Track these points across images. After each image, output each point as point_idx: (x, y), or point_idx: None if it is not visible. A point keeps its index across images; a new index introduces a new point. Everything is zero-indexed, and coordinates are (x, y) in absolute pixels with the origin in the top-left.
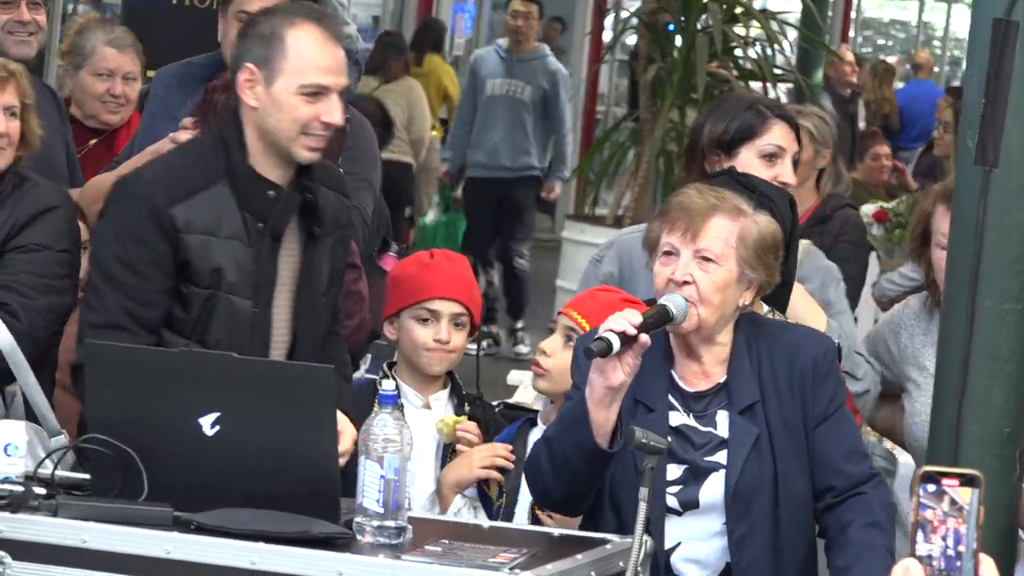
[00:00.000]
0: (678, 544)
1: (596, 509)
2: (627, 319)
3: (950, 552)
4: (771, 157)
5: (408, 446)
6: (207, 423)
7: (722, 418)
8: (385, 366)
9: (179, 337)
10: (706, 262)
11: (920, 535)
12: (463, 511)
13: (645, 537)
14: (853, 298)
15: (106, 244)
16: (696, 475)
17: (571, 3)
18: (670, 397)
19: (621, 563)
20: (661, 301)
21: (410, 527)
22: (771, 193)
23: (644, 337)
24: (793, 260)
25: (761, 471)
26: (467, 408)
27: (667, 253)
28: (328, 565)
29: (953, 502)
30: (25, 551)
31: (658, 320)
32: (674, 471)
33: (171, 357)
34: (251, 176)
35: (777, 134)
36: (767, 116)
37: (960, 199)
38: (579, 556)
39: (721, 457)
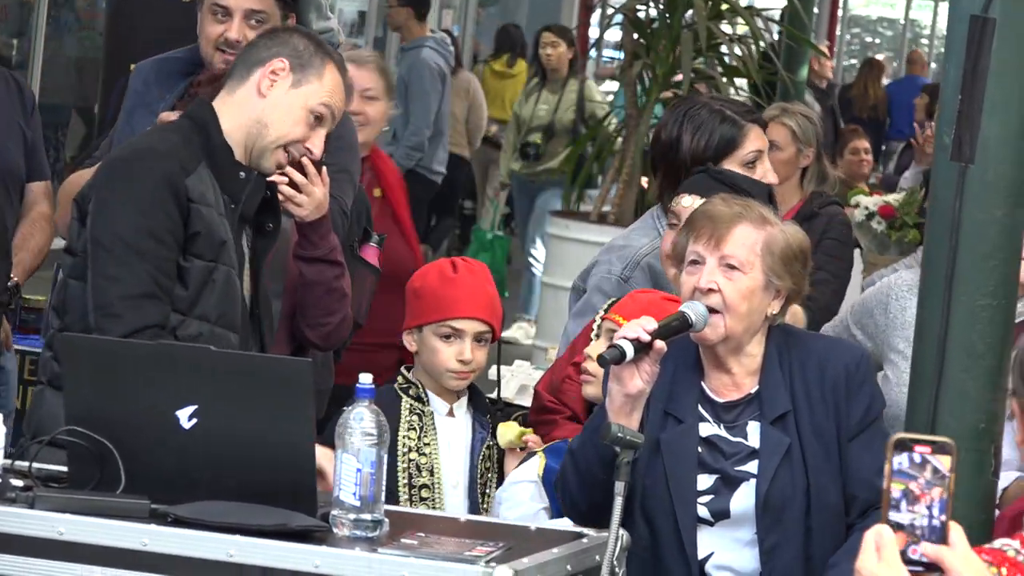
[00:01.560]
0: (711, 554)
1: (627, 521)
2: (642, 326)
3: (935, 522)
4: (751, 164)
5: (385, 439)
6: (184, 416)
7: (753, 428)
8: (404, 370)
9: (177, 314)
10: (731, 270)
11: (903, 503)
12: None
13: (621, 531)
14: (839, 295)
15: (127, 217)
16: (727, 485)
17: None
18: (700, 408)
19: (597, 557)
20: (681, 308)
21: (387, 520)
22: (748, 187)
23: (660, 344)
24: None
25: (793, 481)
26: (488, 417)
27: (693, 262)
28: (305, 558)
29: (936, 470)
30: (2, 543)
31: (677, 327)
32: (705, 481)
33: (149, 350)
34: (229, 157)
35: (753, 139)
36: (742, 124)
37: (936, 194)
38: (555, 550)
39: (752, 467)
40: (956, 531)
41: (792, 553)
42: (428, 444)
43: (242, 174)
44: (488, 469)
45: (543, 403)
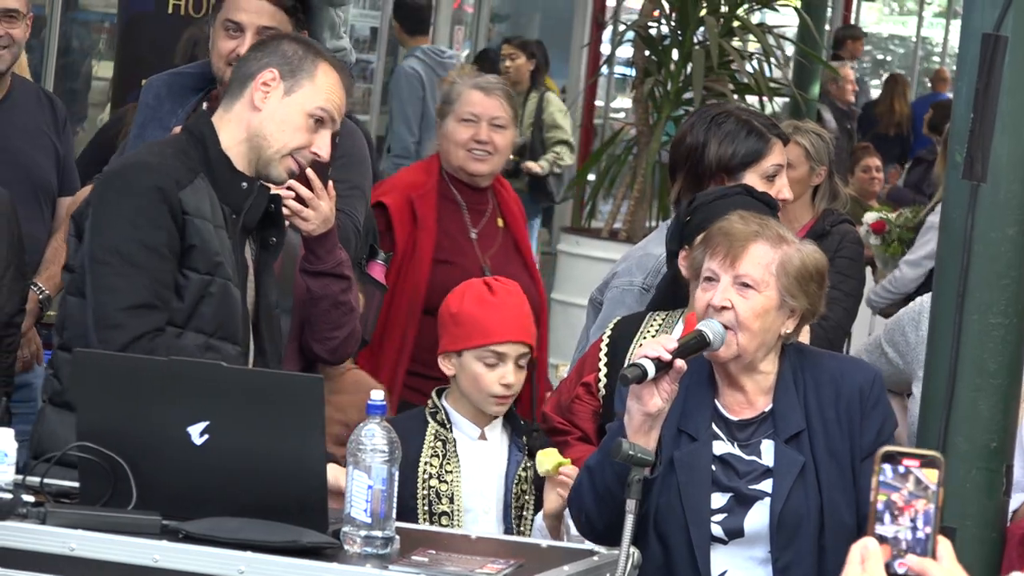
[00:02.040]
0: (724, 572)
1: (641, 540)
2: (662, 345)
3: (919, 534)
4: (771, 177)
5: (397, 456)
6: (196, 432)
7: (767, 447)
8: (434, 394)
9: (173, 327)
10: (745, 288)
11: (886, 516)
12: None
13: (632, 549)
14: (851, 313)
15: (121, 230)
16: (741, 503)
17: (568, 15)
18: (714, 426)
19: (608, 574)
20: (698, 327)
21: (397, 537)
22: (774, 204)
23: (680, 363)
24: None
25: (807, 500)
26: (525, 440)
27: (708, 279)
28: (315, 575)
29: (919, 481)
30: (13, 559)
31: (695, 346)
32: (718, 499)
33: (161, 365)
34: (228, 167)
35: (776, 153)
36: (768, 138)
37: (948, 213)
38: (565, 568)
39: (766, 486)
40: (943, 545)
41: (805, 572)
42: (451, 472)
43: (244, 184)
44: (524, 492)
45: (553, 425)
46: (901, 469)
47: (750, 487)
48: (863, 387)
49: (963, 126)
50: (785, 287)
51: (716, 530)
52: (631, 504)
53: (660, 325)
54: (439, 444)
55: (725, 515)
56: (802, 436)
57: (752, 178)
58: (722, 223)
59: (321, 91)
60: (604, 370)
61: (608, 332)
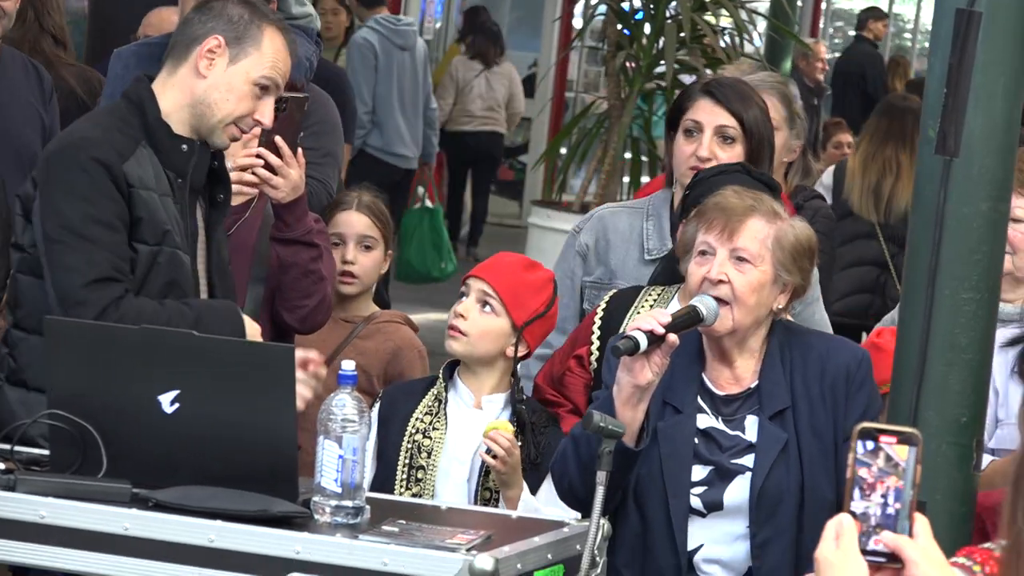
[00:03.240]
0: (700, 546)
1: (620, 509)
2: (656, 318)
3: (889, 510)
4: (688, 133)
5: (366, 426)
6: (166, 400)
7: (751, 423)
8: (448, 363)
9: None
10: (742, 262)
11: (857, 492)
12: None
13: (603, 521)
14: (824, 288)
15: (73, 208)
16: (721, 477)
17: None
18: (699, 400)
19: (578, 546)
20: (692, 302)
21: (368, 507)
22: (773, 185)
23: (673, 337)
24: None
25: (788, 476)
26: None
27: (702, 253)
28: (285, 544)
29: (889, 458)
30: None
31: (688, 321)
32: (699, 472)
33: (131, 334)
34: (167, 133)
35: (698, 110)
36: (692, 91)
37: (921, 188)
38: (536, 539)
39: (748, 460)
40: (920, 523)
41: (783, 548)
42: (436, 430)
43: (184, 147)
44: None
45: (544, 396)
46: (872, 446)
47: (732, 461)
48: (850, 367)
49: (936, 101)
50: (780, 262)
51: (695, 502)
52: (601, 476)
53: (655, 300)
54: (435, 403)
55: (705, 488)
56: (786, 413)
57: (679, 134)
58: (717, 198)
59: (267, 58)
60: (597, 343)
61: (602, 305)
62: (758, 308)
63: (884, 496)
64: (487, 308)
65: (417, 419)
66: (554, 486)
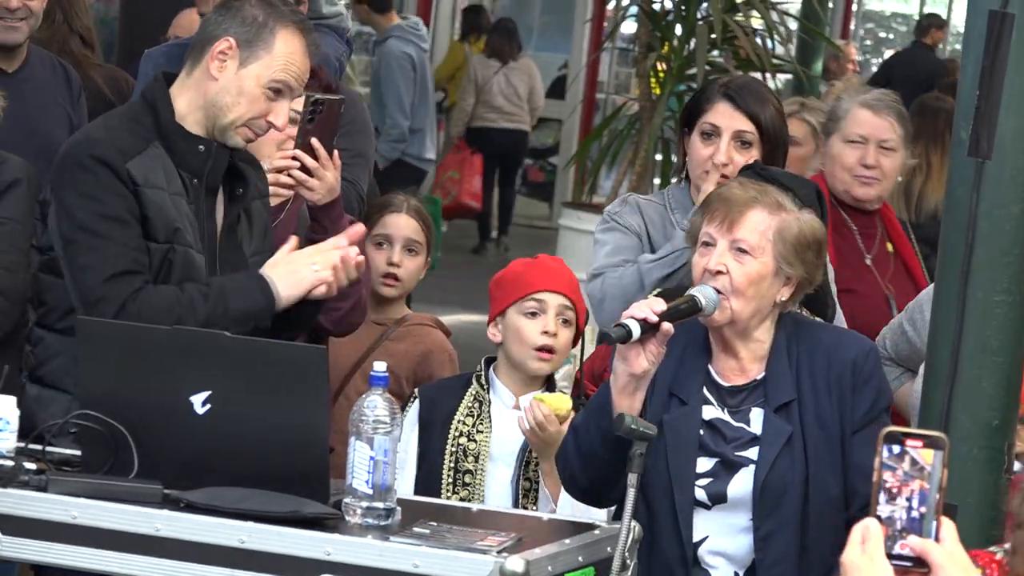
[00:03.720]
0: (705, 538)
1: (625, 500)
2: (650, 306)
3: (914, 514)
4: (706, 136)
5: (398, 428)
6: (198, 401)
7: (756, 415)
8: (483, 360)
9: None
10: (741, 253)
11: (883, 496)
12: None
13: (633, 523)
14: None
15: (82, 207)
16: (726, 469)
17: None
18: (705, 391)
19: (608, 548)
20: (691, 291)
21: (399, 508)
22: (792, 184)
23: (667, 326)
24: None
25: (792, 469)
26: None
27: (705, 243)
28: (316, 545)
29: (914, 462)
30: (15, 526)
31: (686, 310)
32: (704, 464)
33: (164, 334)
34: (182, 134)
35: (715, 113)
36: (711, 94)
37: (953, 190)
38: (567, 540)
39: (752, 453)
40: (947, 527)
41: (787, 541)
42: (481, 432)
43: (201, 147)
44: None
45: (585, 391)
46: (898, 449)
47: (736, 453)
48: (857, 360)
49: (969, 103)
50: (782, 254)
51: (700, 494)
52: (632, 478)
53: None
54: (476, 405)
55: (710, 480)
56: (792, 406)
57: (695, 136)
58: (721, 189)
59: (278, 61)
60: None
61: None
62: (758, 299)
63: (910, 500)
64: (566, 322)
65: (460, 421)
66: (559, 474)
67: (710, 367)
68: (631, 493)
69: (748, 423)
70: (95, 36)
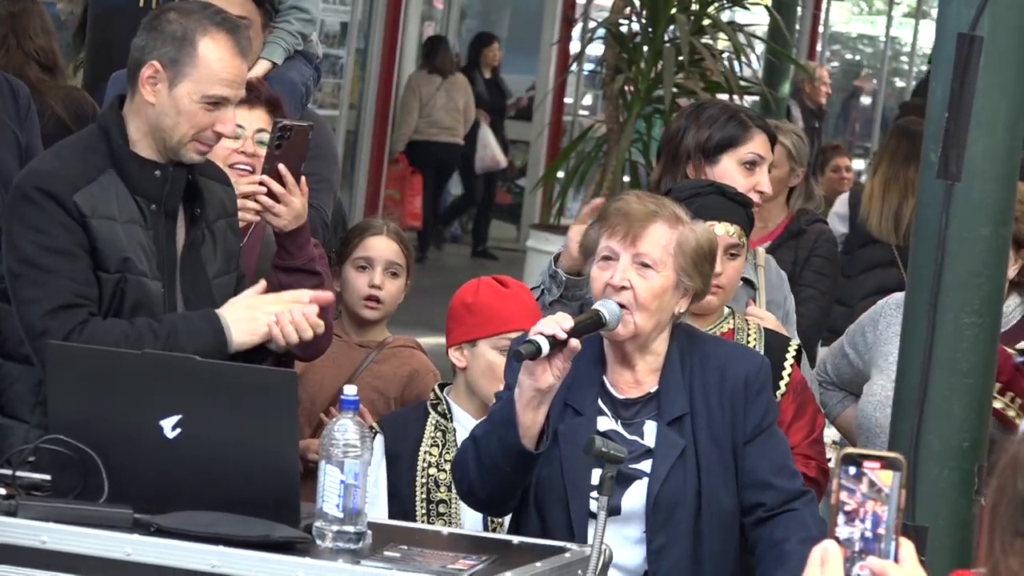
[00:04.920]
0: None
1: (521, 512)
2: (558, 323)
3: (868, 534)
4: (751, 165)
5: (369, 451)
6: (168, 425)
7: (650, 428)
8: (436, 387)
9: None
10: (644, 268)
11: (841, 518)
12: None
13: (605, 546)
14: (826, 312)
15: (28, 240)
16: (619, 481)
17: (538, 12)
18: (600, 402)
19: (580, 572)
20: (595, 306)
21: (369, 532)
22: (746, 202)
23: (574, 342)
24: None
25: (684, 483)
26: None
27: (606, 258)
28: (288, 569)
29: (872, 484)
30: None
31: (590, 325)
32: (599, 475)
33: (133, 358)
34: (136, 161)
35: (757, 143)
36: (749, 126)
37: (923, 212)
38: (538, 564)
39: (645, 466)
40: (906, 547)
41: (680, 554)
42: (449, 461)
43: (156, 172)
44: None
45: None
46: (854, 471)
47: (630, 466)
48: (749, 375)
49: (938, 126)
50: (682, 267)
51: (594, 506)
52: (603, 501)
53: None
54: (439, 434)
55: None
56: (685, 419)
57: (728, 163)
58: (619, 203)
59: (207, 73)
60: None
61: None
62: (660, 313)
63: (864, 521)
64: None
65: (426, 451)
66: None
67: (604, 379)
68: (601, 516)
69: (642, 436)
70: (58, 54)
